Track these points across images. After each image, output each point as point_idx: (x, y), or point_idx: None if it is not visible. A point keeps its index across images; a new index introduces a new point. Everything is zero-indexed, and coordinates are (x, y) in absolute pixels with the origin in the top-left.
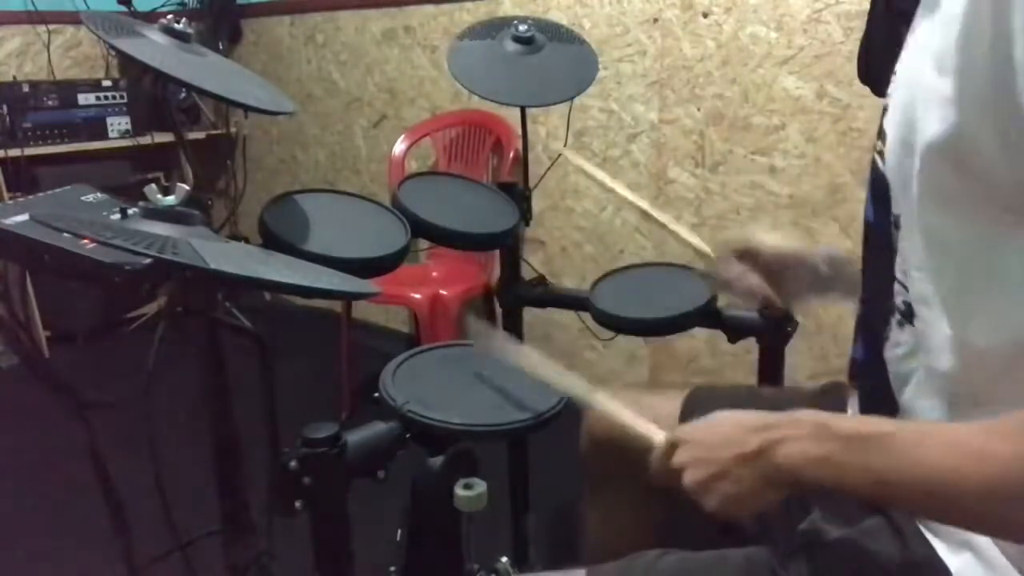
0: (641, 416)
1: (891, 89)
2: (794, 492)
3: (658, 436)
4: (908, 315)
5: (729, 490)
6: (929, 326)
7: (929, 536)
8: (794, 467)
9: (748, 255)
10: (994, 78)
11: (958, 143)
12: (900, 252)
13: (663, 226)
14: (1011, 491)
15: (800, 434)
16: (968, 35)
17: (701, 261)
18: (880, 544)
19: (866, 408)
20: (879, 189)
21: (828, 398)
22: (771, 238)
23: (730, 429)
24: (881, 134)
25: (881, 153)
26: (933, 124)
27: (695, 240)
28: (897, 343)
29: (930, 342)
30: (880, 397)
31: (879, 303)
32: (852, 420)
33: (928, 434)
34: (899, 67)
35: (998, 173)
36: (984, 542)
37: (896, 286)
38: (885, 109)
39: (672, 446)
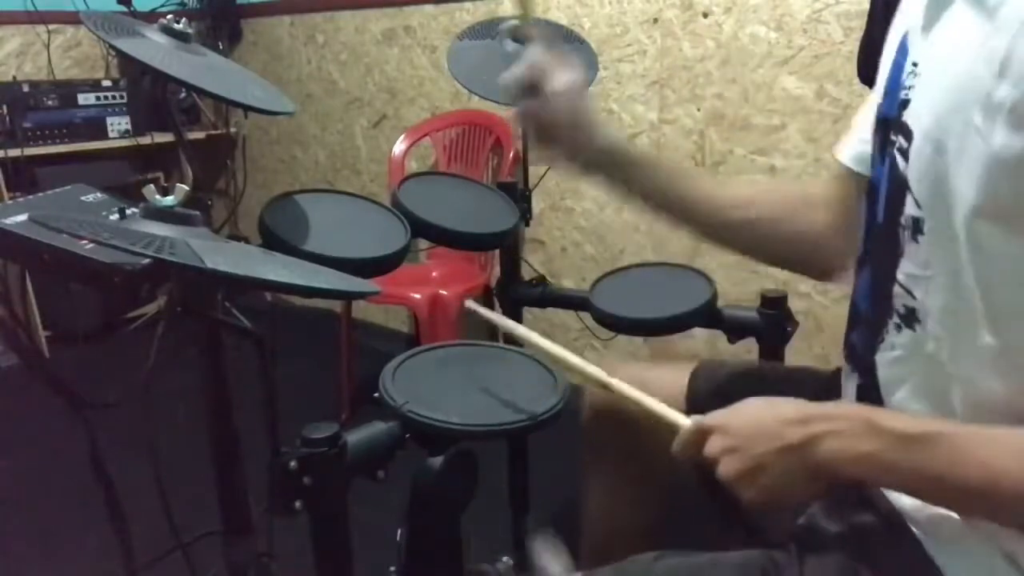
0: (658, 401)
1: (909, 82)
2: (836, 485)
3: (683, 421)
4: (908, 320)
5: (768, 482)
6: (953, 335)
7: (918, 533)
8: (836, 462)
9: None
10: None
11: None
12: (908, 255)
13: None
14: None
15: (843, 429)
16: None
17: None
18: (870, 542)
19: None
20: (894, 188)
21: (829, 382)
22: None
23: (769, 420)
24: (899, 129)
25: (904, 152)
26: (999, 134)
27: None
28: (892, 346)
29: (948, 350)
30: (867, 396)
31: (878, 304)
32: (902, 417)
33: (994, 439)
34: (925, 62)
35: None
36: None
37: (896, 288)
38: (903, 103)
39: (701, 433)
